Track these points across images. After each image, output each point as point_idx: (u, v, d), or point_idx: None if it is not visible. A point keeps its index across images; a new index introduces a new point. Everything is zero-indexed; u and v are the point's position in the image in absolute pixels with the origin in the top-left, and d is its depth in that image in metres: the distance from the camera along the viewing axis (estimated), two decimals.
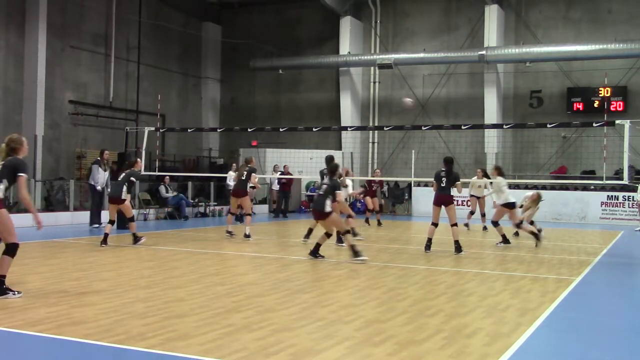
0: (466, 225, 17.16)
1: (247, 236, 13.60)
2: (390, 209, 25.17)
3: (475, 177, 16.91)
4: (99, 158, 16.95)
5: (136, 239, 12.38)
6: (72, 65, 21.85)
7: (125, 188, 12.38)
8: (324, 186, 10.95)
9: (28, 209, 7.05)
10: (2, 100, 19.59)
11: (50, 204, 17.81)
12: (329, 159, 13.22)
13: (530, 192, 15.10)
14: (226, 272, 9.51)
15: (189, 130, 22.92)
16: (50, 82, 20.63)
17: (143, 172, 17.75)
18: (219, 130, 26.60)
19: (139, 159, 13.81)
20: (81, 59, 22.19)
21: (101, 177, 16.38)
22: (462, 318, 6.57)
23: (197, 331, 5.73)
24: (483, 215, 17.12)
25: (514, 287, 8.48)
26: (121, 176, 12.69)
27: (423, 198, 22.56)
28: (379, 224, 18.51)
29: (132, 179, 12.57)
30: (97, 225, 15.84)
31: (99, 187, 16.29)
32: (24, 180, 6.88)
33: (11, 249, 6.94)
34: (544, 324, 6.43)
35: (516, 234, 15.05)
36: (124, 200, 12.41)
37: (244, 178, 13.95)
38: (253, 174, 14.08)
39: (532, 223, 14.60)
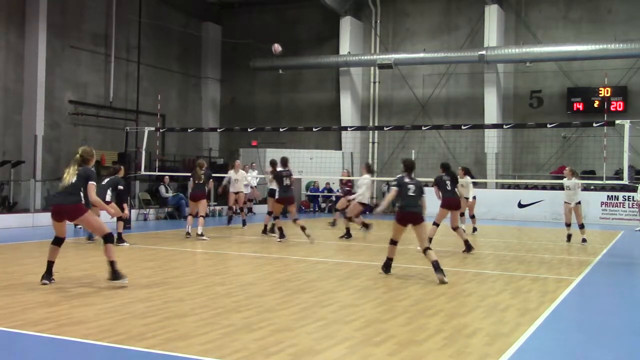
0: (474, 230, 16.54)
1: (200, 235, 13.59)
2: (391, 209, 25.09)
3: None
4: None
5: (119, 239, 12.16)
6: (72, 65, 21.84)
7: (109, 192, 12.34)
8: (412, 186, 9.24)
9: (100, 208, 8.16)
10: (2, 100, 19.58)
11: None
12: (286, 160, 14.05)
13: (569, 182, 14.53)
14: (226, 272, 9.51)
15: (189, 130, 22.92)
16: (50, 82, 20.62)
17: (143, 172, 17.82)
18: (219, 130, 26.61)
19: (122, 167, 13.63)
20: (81, 59, 22.18)
21: None
22: (462, 318, 6.57)
23: (197, 331, 5.73)
24: (470, 216, 16.75)
25: (514, 287, 8.48)
26: (105, 180, 12.59)
27: None
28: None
29: (119, 187, 12.53)
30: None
31: None
32: (94, 187, 7.86)
33: (109, 238, 7.86)
34: (544, 324, 6.42)
35: (569, 238, 14.53)
36: (108, 202, 12.24)
37: (201, 182, 14.04)
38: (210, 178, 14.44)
39: (582, 226, 14.39)
